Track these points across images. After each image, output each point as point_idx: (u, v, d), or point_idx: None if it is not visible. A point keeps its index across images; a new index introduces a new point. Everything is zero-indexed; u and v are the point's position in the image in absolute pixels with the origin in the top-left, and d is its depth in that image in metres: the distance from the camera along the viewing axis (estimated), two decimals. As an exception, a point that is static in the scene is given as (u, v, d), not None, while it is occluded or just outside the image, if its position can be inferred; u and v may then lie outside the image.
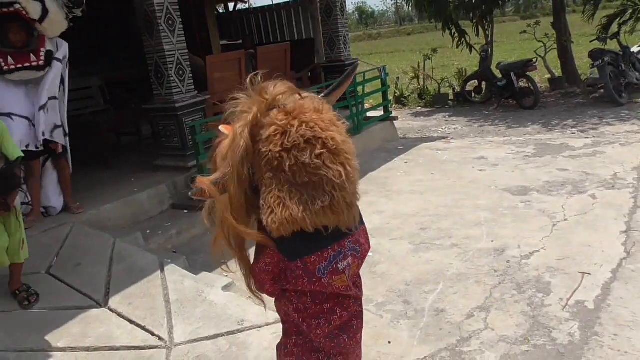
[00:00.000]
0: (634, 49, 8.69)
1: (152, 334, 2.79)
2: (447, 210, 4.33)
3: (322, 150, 1.27)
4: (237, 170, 1.30)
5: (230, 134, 1.33)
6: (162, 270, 3.34)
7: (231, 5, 10.52)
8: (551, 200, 4.26)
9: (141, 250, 3.66)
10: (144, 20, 4.61)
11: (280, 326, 2.92)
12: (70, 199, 4.29)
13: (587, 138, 6.12)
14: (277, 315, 2.97)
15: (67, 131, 4.20)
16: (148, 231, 4.15)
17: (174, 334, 2.80)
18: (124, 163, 5.54)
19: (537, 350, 2.47)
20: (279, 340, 1.80)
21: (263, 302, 1.66)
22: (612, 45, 8.65)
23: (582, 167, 4.99)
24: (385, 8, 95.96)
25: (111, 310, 2.98)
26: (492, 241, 3.64)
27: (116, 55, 7.33)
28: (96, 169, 5.33)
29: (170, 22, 4.61)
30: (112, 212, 4.18)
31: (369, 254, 4.10)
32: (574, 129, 6.69)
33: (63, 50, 4.07)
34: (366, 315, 2.92)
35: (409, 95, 10.61)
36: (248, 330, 2.85)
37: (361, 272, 3.77)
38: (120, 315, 2.92)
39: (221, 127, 1.41)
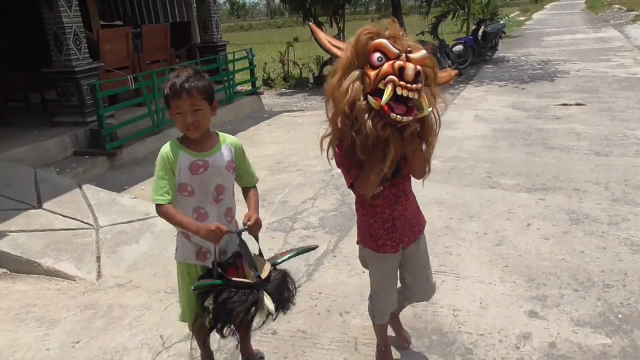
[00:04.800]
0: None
1: (82, 222, 3.90)
2: (296, 151, 5.89)
3: None
4: None
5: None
6: (81, 187, 4.40)
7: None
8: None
9: (59, 176, 4.64)
10: (44, -2, 5.45)
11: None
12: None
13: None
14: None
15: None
16: (58, 169, 5.08)
17: (99, 221, 3.94)
18: (19, 122, 6.24)
19: (341, 214, 4.08)
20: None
21: None
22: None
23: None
24: (257, 0, 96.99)
25: (45, 210, 4.00)
26: (324, 167, 5.25)
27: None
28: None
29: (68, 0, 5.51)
30: (24, 154, 5.04)
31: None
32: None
33: None
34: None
35: (275, 78, 12.13)
36: (154, 218, 4.07)
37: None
38: (54, 212, 3.97)
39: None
